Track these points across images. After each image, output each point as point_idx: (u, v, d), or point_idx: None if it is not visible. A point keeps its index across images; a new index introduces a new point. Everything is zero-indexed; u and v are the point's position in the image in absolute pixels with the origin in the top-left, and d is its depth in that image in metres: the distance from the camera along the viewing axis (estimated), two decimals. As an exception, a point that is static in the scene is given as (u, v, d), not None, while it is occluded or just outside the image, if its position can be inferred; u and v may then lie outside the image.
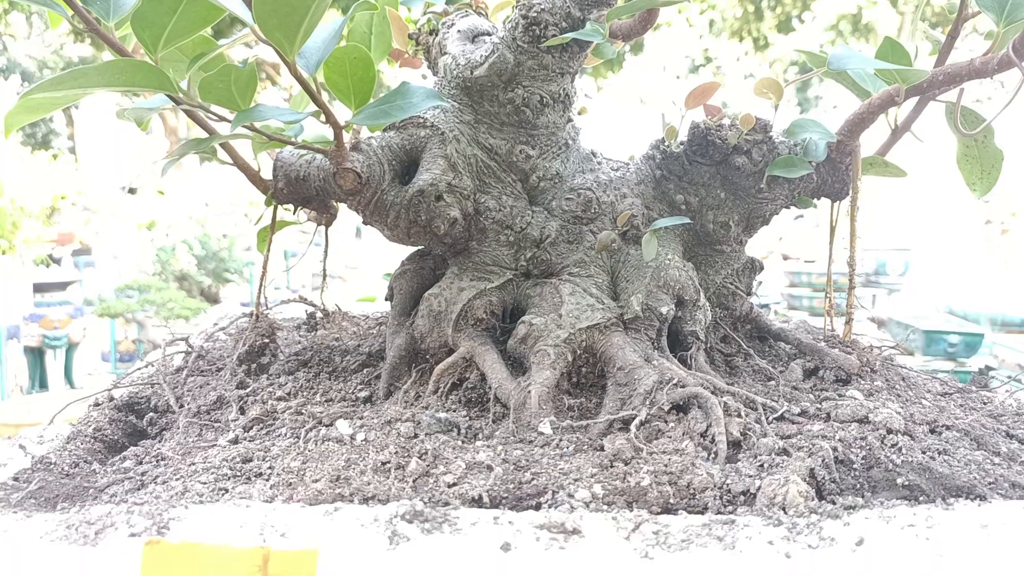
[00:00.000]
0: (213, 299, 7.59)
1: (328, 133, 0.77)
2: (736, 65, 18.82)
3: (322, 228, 0.95)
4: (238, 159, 0.84)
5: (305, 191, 0.84)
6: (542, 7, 0.78)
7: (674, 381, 0.77)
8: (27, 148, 9.23)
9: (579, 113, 0.92)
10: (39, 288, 5.47)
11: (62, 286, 5.54)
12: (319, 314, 1.03)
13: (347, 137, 0.80)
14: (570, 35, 0.72)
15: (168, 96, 0.69)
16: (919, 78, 0.72)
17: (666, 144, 0.85)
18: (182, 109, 0.73)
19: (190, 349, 1.01)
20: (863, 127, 0.81)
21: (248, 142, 0.89)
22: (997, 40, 0.71)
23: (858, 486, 0.67)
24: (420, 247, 0.91)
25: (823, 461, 0.66)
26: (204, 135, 0.80)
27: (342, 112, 0.82)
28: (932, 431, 0.76)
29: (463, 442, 0.74)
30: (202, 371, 0.97)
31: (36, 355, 5.03)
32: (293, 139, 0.76)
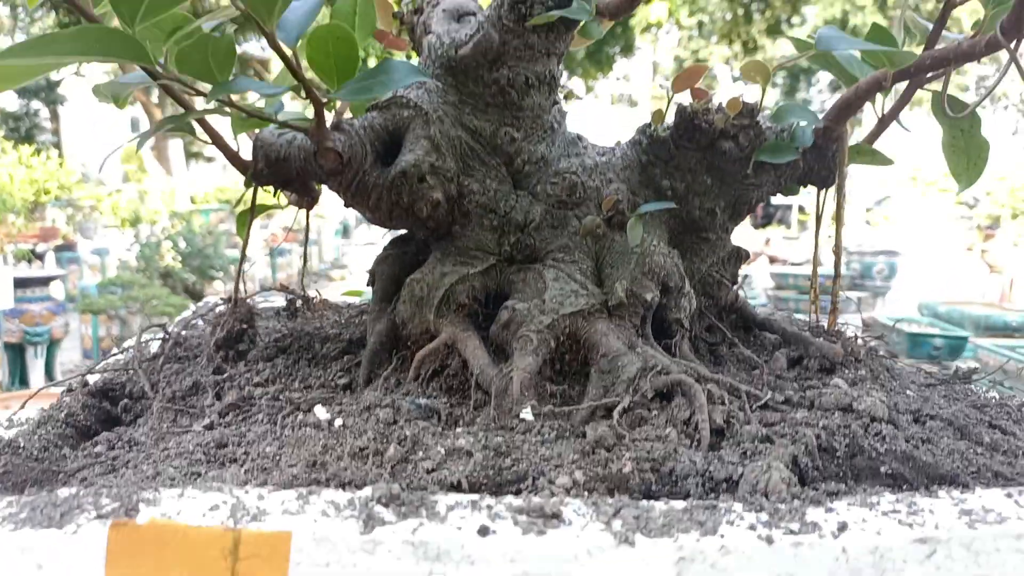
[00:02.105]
0: (198, 296, 7.53)
1: (309, 113, 0.76)
2: (725, 68, 18.91)
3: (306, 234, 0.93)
4: (217, 138, 0.82)
5: (286, 172, 0.83)
6: (527, -14, 0.77)
7: (658, 368, 0.76)
8: (10, 142, 9.12)
9: (565, 97, 0.91)
10: (20, 283, 5.40)
11: (44, 282, 5.46)
12: (299, 301, 1.02)
13: (329, 117, 0.78)
14: (556, 12, 0.71)
15: (145, 70, 0.68)
16: (907, 60, 0.72)
17: (652, 128, 0.84)
18: (160, 85, 0.71)
19: (167, 336, 0.99)
20: (850, 112, 0.81)
21: (228, 123, 0.87)
22: (985, 22, 0.70)
23: (841, 474, 0.66)
24: (402, 232, 0.90)
25: (806, 448, 0.65)
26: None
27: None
28: (916, 420, 0.76)
29: (443, 428, 0.73)
30: (179, 358, 0.95)
31: (16, 351, 4.97)
32: (273, 116, 0.74)
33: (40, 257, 7.94)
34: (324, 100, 0.71)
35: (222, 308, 0.98)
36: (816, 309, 0.94)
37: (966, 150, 0.94)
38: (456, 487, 0.62)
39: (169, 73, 0.68)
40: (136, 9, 0.71)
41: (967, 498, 0.58)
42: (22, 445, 0.69)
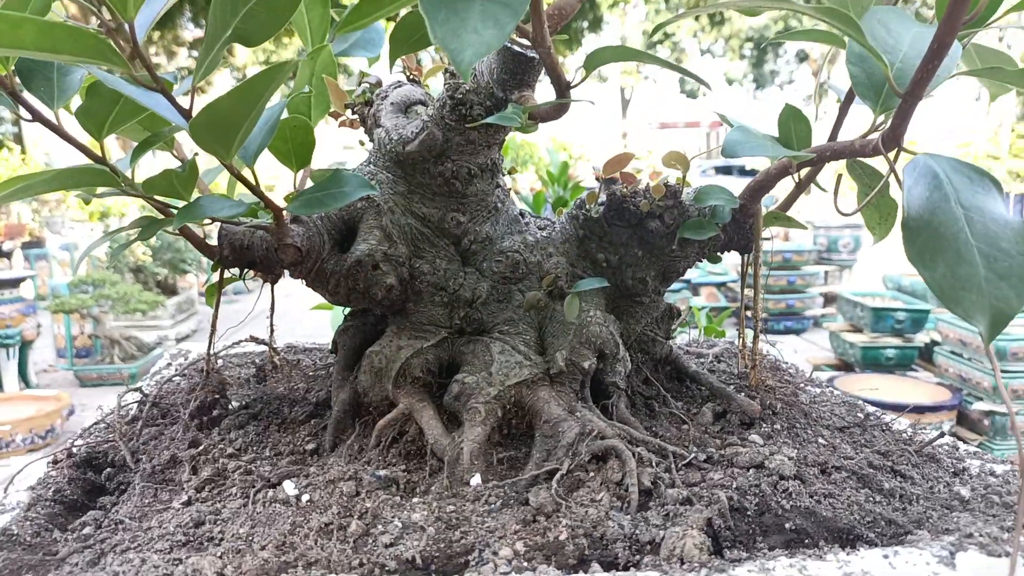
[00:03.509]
0: (171, 290, 7.51)
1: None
2: (692, 41, 18.94)
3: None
4: (184, 229, 0.89)
5: (249, 257, 0.89)
6: (467, 88, 0.84)
7: (594, 433, 0.84)
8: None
9: (508, 174, 0.98)
10: (-11, 286, 5.36)
11: (14, 283, 5.43)
12: (268, 365, 1.09)
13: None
14: (490, 119, 0.78)
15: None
16: (808, 157, 0.80)
17: (587, 208, 0.92)
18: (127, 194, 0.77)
19: (144, 398, 1.06)
20: (763, 193, 0.89)
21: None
22: (873, 124, 0.78)
23: (751, 531, 0.76)
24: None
25: (719, 511, 0.74)
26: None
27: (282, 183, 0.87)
28: (823, 472, 0.85)
29: (402, 497, 0.81)
30: (156, 421, 1.02)
31: (-11, 354, 4.96)
32: (236, 220, 0.81)
33: (7, 255, 7.85)
34: (281, 208, 0.78)
35: (199, 365, 1.04)
36: (744, 357, 1.03)
37: (878, 206, 1.03)
38: (411, 562, 0.70)
39: (137, 190, 0.75)
40: (102, 124, 0.78)
41: (851, 560, 0.68)
42: (16, 533, 0.76)
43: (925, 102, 0.70)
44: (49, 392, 4.54)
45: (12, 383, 5.02)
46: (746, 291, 1.00)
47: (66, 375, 5.61)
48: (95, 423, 1.02)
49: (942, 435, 0.96)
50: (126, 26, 0.64)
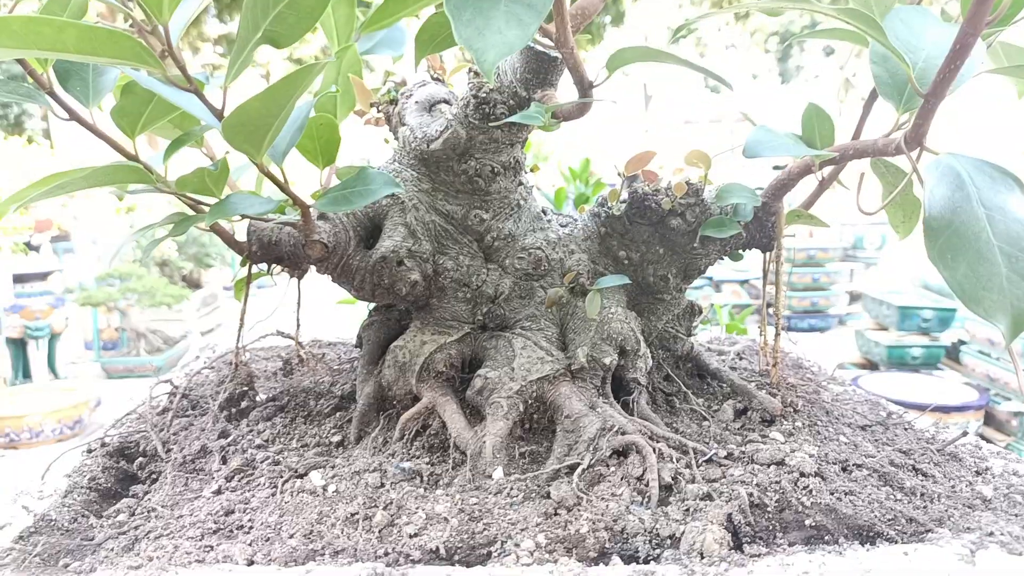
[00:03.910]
0: (195, 284, 7.61)
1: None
2: (717, 35, 18.78)
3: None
4: (215, 225, 0.91)
5: (277, 253, 0.91)
6: (491, 87, 0.85)
7: (615, 428, 0.85)
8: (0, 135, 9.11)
9: (531, 171, 0.99)
10: (19, 279, 5.48)
11: (43, 276, 5.54)
12: (294, 359, 1.11)
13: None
14: (513, 118, 0.79)
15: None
16: (829, 156, 0.80)
17: (609, 206, 0.93)
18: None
19: (175, 389, 1.08)
20: (785, 191, 0.89)
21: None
22: (896, 123, 0.78)
23: (771, 528, 0.76)
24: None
25: (739, 507, 0.75)
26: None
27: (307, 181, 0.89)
28: (844, 470, 0.85)
29: (425, 489, 0.83)
30: (186, 412, 1.04)
31: (18, 346, 5.07)
32: (264, 217, 0.83)
33: (36, 249, 8.00)
34: (308, 205, 0.79)
35: (228, 358, 1.07)
36: (766, 354, 1.03)
37: (902, 205, 1.03)
38: (435, 552, 0.71)
39: (170, 187, 0.77)
40: (135, 123, 0.80)
41: (870, 556, 0.68)
42: (54, 518, 0.79)
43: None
44: (77, 383, 4.64)
45: (42, 374, 5.13)
46: (768, 289, 1.00)
47: (93, 367, 5.71)
48: (127, 414, 1.05)
49: (965, 434, 0.95)
50: (160, 28, 0.66)
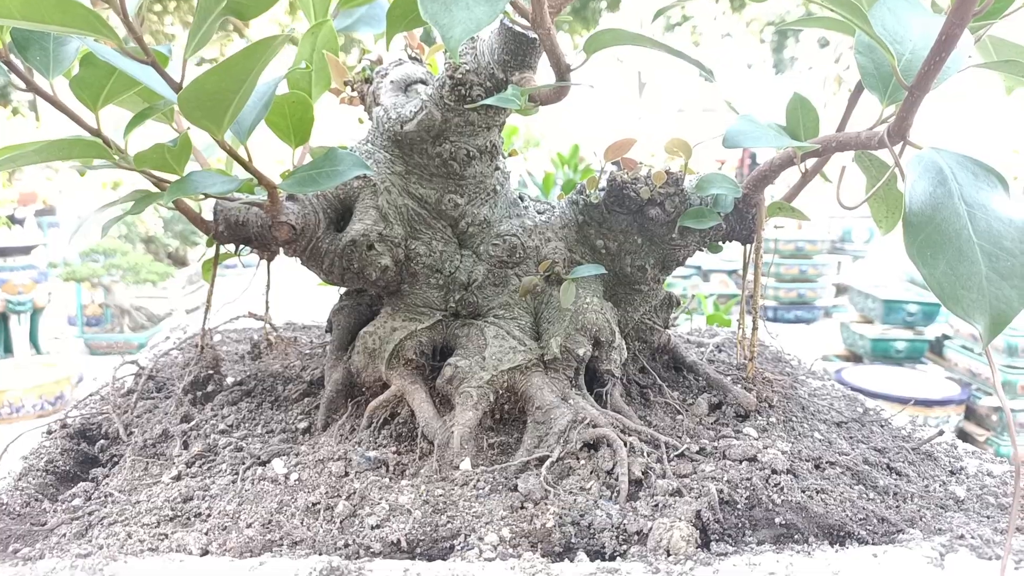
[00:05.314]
0: (181, 261, 7.55)
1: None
2: (713, 24, 18.68)
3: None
4: (180, 204, 0.88)
5: (244, 234, 0.89)
6: (467, 68, 0.82)
7: (587, 421, 0.84)
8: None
9: (509, 155, 0.97)
10: (2, 252, 5.40)
11: (26, 250, 5.47)
12: (263, 342, 1.08)
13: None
14: (489, 100, 0.77)
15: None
16: (812, 148, 0.78)
17: (587, 194, 0.90)
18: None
19: (140, 371, 1.06)
20: (766, 183, 0.87)
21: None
22: (881, 116, 0.76)
23: (740, 525, 0.75)
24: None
25: (709, 504, 0.74)
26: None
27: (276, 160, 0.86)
28: (816, 467, 0.84)
29: (390, 479, 0.81)
30: (151, 395, 1.02)
31: (0, 320, 5.01)
32: (231, 196, 0.80)
33: (20, 222, 7.90)
34: (275, 185, 0.77)
35: (195, 341, 1.04)
36: (742, 347, 1.02)
37: (885, 199, 1.01)
38: (396, 545, 0.70)
39: (129, 163, 0.74)
40: (97, 95, 0.77)
41: (839, 558, 0.67)
42: (5, 501, 0.76)
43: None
44: (59, 359, 4.59)
45: (23, 348, 5.07)
46: (747, 280, 0.99)
47: (77, 343, 5.67)
48: (90, 394, 1.02)
49: (941, 433, 0.94)
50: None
